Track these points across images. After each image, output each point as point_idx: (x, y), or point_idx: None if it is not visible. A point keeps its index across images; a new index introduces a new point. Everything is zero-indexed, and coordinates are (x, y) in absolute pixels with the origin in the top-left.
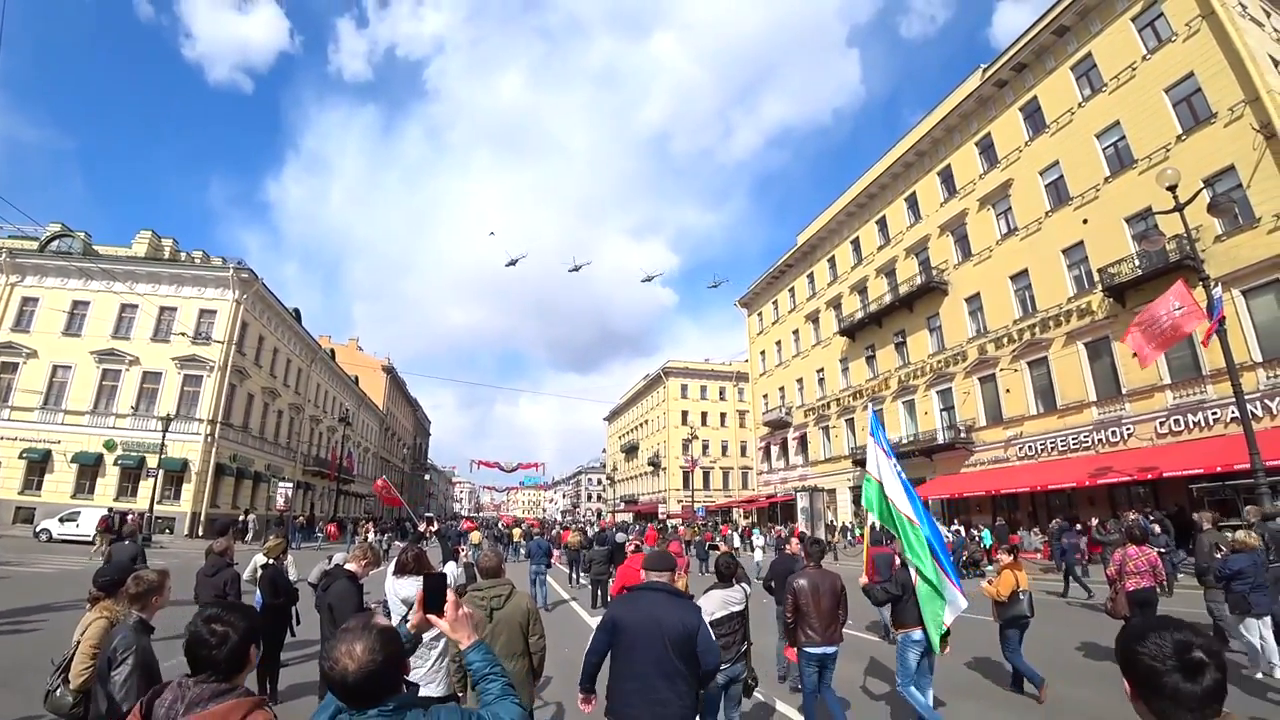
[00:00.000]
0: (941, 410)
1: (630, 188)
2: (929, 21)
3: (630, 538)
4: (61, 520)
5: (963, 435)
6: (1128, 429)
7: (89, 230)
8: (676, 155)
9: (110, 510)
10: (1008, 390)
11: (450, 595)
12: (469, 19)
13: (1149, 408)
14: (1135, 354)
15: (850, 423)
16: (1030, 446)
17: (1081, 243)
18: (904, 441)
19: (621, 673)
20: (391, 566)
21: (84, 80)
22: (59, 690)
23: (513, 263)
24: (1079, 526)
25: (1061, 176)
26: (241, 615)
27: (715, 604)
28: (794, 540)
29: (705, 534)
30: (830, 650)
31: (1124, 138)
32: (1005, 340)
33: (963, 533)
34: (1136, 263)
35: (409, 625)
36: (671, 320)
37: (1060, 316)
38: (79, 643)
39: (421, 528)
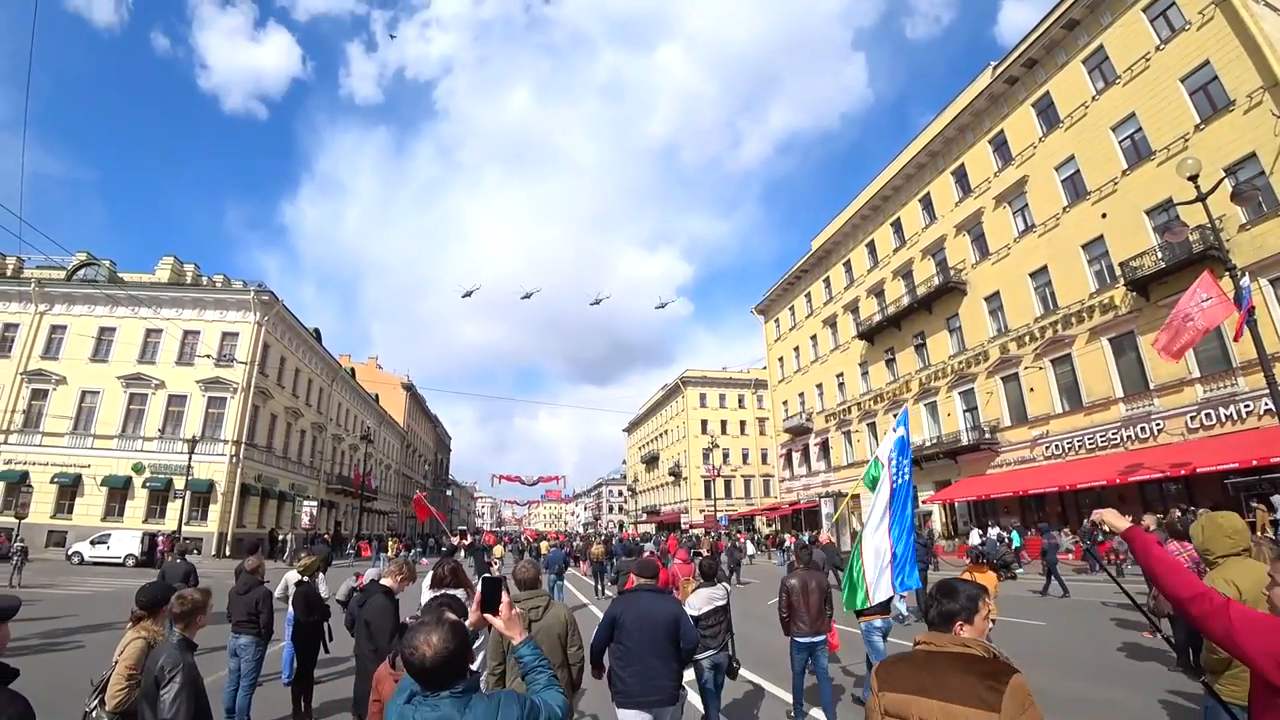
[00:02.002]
0: (965, 411)
1: (641, 199)
2: (934, 22)
3: (648, 547)
4: (93, 543)
5: (987, 436)
6: (1157, 425)
7: (114, 258)
8: (685, 165)
9: (159, 535)
10: (1031, 389)
11: (505, 597)
12: (475, 39)
13: (1178, 402)
14: (1161, 351)
15: (872, 427)
16: (1057, 445)
17: (1101, 237)
18: (928, 444)
19: (622, 658)
20: (427, 580)
21: (105, 114)
22: (95, 712)
23: (528, 296)
24: (1067, 529)
25: (1078, 171)
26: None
27: (701, 600)
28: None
29: (718, 543)
30: (818, 639)
31: (1140, 129)
32: (1027, 338)
33: (993, 536)
34: (1159, 255)
35: (468, 623)
36: (687, 330)
37: (1083, 312)
38: (117, 663)
39: (455, 541)
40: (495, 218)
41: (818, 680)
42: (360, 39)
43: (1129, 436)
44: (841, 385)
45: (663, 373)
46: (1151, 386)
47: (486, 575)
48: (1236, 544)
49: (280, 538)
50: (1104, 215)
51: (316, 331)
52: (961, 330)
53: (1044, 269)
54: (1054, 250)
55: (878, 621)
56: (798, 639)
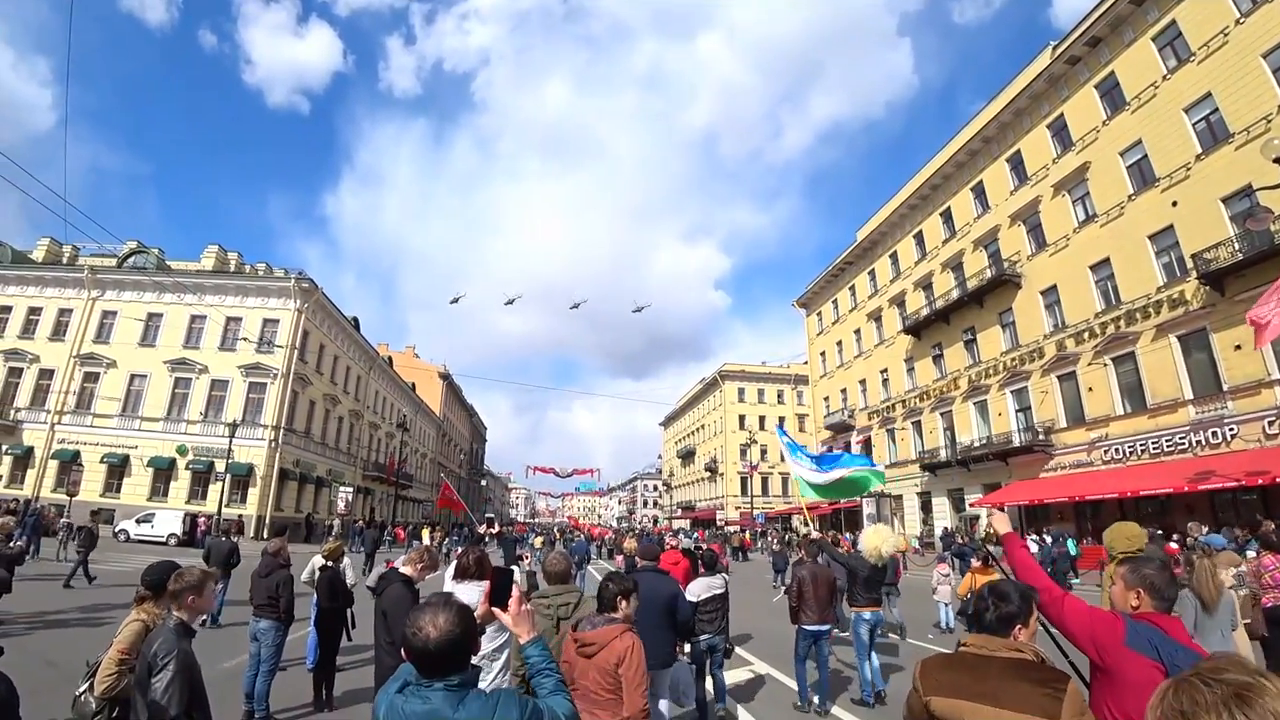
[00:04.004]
0: (1017, 411)
1: (680, 191)
2: (983, 6)
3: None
4: (138, 521)
5: (1041, 437)
6: (1230, 429)
7: (162, 247)
8: (726, 157)
9: (200, 515)
10: (1090, 389)
11: (515, 590)
12: (513, 30)
13: (1255, 405)
14: (1258, 328)
15: (918, 425)
16: (1117, 449)
17: (1171, 227)
18: (976, 445)
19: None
20: (450, 570)
21: (156, 109)
22: (84, 696)
23: (576, 306)
24: (1068, 538)
25: (1145, 156)
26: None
27: (701, 588)
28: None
29: (714, 544)
30: (824, 628)
31: (1216, 110)
32: (1086, 335)
33: (1047, 542)
34: (1237, 246)
35: (475, 615)
36: (726, 323)
37: (1149, 308)
38: (111, 645)
39: (481, 529)
40: (534, 209)
41: (818, 666)
42: (399, 32)
43: (1199, 441)
44: (886, 381)
45: (700, 366)
46: (1225, 388)
47: (497, 566)
48: (1132, 544)
49: (327, 523)
50: (1174, 203)
51: (355, 320)
52: (1015, 325)
53: (1106, 261)
54: (1118, 241)
55: (866, 614)
56: (804, 626)
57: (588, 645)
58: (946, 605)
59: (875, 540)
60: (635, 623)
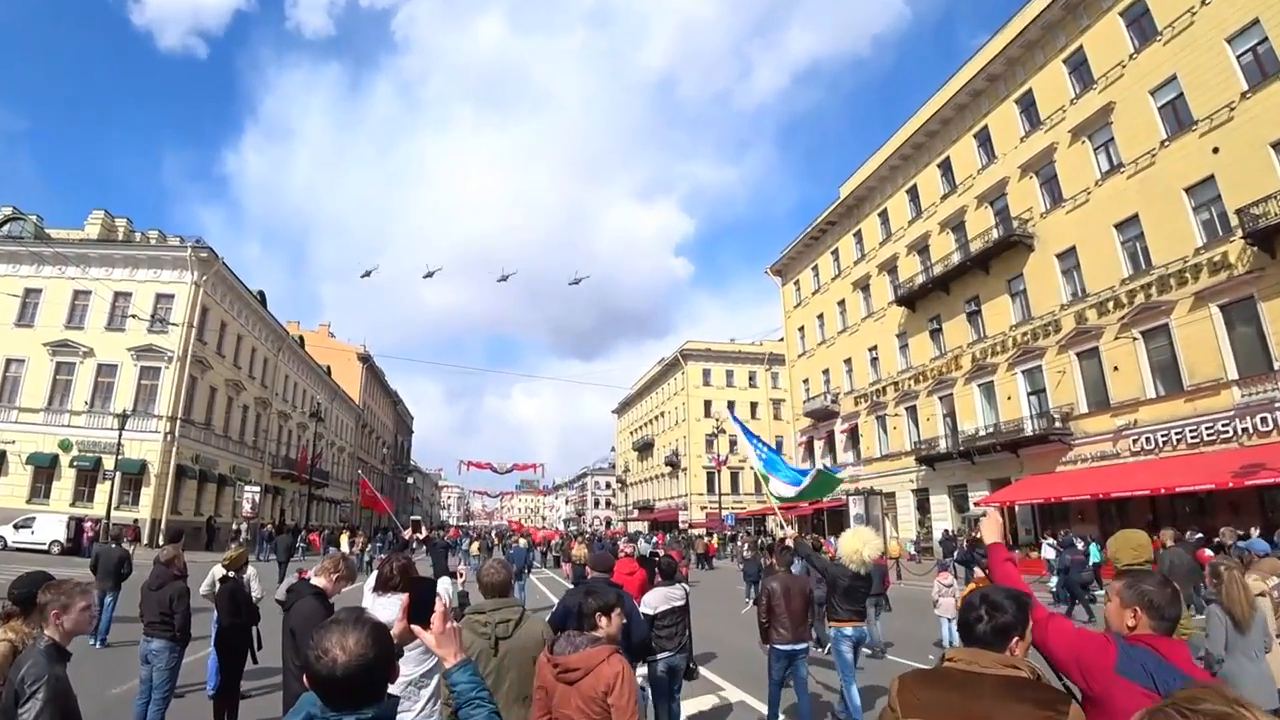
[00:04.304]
0: (1029, 394)
1: (634, 142)
2: None
3: (623, 543)
4: (16, 527)
5: (1058, 425)
6: None
7: (40, 213)
8: (686, 101)
9: (85, 520)
10: (1116, 368)
11: (439, 604)
12: None
13: None
14: None
15: (913, 411)
16: (1148, 438)
17: (1211, 178)
18: (982, 434)
19: None
20: (371, 581)
21: (29, 57)
22: None
23: (504, 278)
24: (1090, 543)
25: (1181, 95)
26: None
27: (658, 599)
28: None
29: (673, 550)
30: (800, 647)
31: (1265, 40)
32: (1111, 305)
33: (1066, 550)
34: None
35: (393, 633)
36: (688, 295)
37: (1185, 272)
38: None
39: (407, 535)
40: (466, 166)
41: (795, 691)
42: None
43: (1245, 429)
44: (875, 361)
45: (659, 345)
46: (1277, 366)
47: (418, 576)
48: (1138, 555)
49: (234, 527)
50: (1215, 150)
51: (261, 294)
52: (1026, 294)
53: (1134, 218)
54: (1147, 195)
55: (848, 630)
56: (777, 646)
57: (570, 670)
58: (950, 621)
59: (854, 543)
60: None
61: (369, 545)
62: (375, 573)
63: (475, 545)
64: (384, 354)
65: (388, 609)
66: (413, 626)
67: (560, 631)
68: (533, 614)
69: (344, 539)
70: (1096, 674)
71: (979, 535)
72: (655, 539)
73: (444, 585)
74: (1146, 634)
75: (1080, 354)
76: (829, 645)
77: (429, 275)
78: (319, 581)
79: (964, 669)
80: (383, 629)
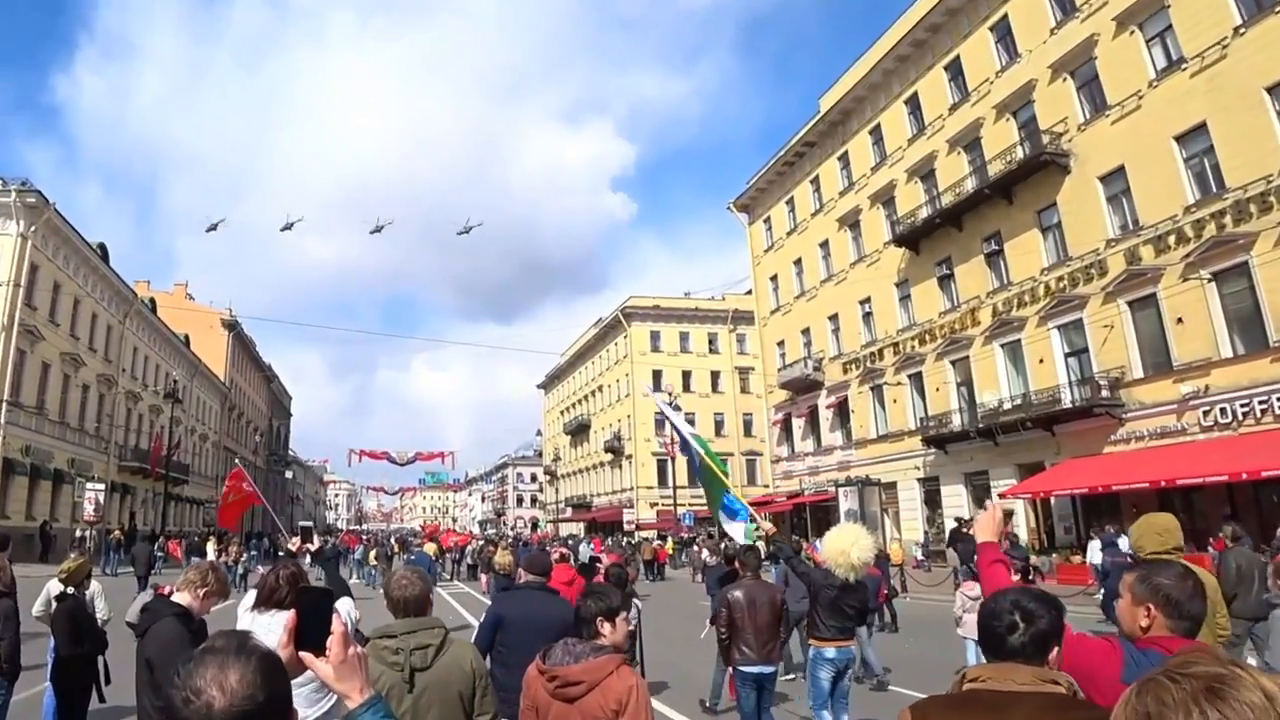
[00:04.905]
0: (1067, 356)
1: (560, 52)
2: None
3: (553, 548)
4: None
5: (1105, 394)
6: None
7: None
8: None
9: None
10: (1180, 320)
11: (336, 624)
12: None
13: None
14: None
15: (917, 380)
16: (1223, 409)
17: None
18: (1006, 406)
19: (504, 663)
20: (249, 599)
21: None
22: None
23: (377, 229)
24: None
25: None
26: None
27: None
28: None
29: (611, 555)
30: (768, 670)
31: None
32: (1172, 239)
33: (1106, 550)
34: None
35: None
36: (629, 240)
37: (1269, 195)
38: None
39: (293, 545)
40: (352, 86)
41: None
42: None
43: None
44: (868, 316)
45: (594, 301)
46: None
47: (309, 586)
48: (1165, 542)
49: (78, 534)
50: None
51: (103, 248)
52: (1061, 229)
53: (1201, 128)
54: (1218, 97)
55: (829, 651)
56: (741, 668)
57: (571, 684)
58: (977, 643)
59: (840, 543)
60: (515, 665)
61: (243, 555)
62: (253, 589)
63: (373, 554)
64: (255, 317)
65: (274, 632)
66: (301, 654)
67: (485, 655)
68: (457, 637)
69: (210, 546)
70: (1101, 685)
71: (969, 530)
72: (593, 543)
73: (345, 606)
74: (1162, 635)
75: (1133, 303)
76: (800, 671)
77: (287, 227)
78: (182, 598)
79: (994, 689)
80: (275, 660)
